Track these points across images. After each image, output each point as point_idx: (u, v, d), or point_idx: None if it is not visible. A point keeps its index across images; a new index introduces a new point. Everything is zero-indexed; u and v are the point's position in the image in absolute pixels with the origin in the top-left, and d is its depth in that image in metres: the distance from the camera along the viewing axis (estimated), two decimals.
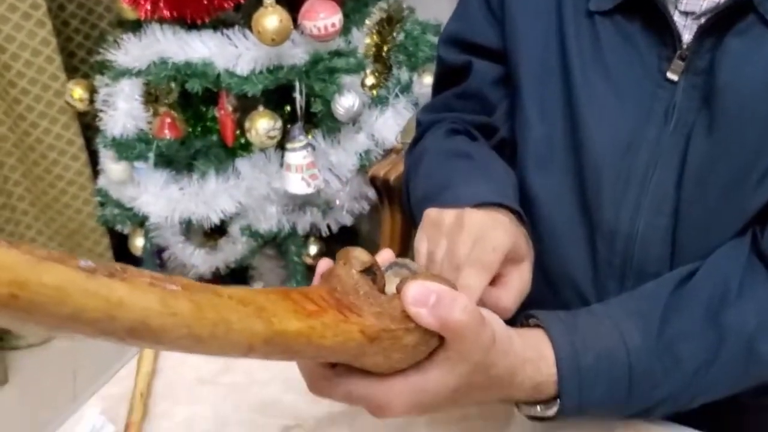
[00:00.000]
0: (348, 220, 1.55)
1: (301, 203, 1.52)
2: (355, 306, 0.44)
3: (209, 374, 0.70)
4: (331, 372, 0.46)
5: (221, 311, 0.36)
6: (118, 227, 1.59)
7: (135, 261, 1.68)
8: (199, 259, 1.54)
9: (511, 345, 0.49)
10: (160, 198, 1.49)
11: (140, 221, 1.55)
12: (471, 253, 0.54)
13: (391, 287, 0.48)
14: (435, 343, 0.46)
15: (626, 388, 0.54)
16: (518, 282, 0.58)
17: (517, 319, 0.58)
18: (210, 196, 1.47)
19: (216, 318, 0.36)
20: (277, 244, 1.54)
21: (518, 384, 0.50)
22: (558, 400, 0.52)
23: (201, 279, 1.69)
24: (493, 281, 0.56)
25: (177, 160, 1.50)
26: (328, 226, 1.54)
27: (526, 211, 0.72)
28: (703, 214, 0.63)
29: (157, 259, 1.61)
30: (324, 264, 0.49)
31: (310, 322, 0.40)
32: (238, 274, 1.74)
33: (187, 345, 0.35)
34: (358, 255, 0.47)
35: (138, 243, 1.60)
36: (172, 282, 0.36)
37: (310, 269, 1.62)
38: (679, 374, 0.55)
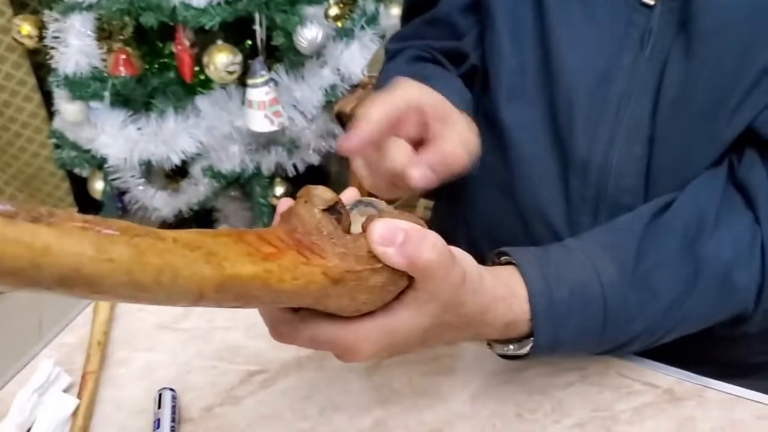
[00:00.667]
0: (315, 160, 1.51)
1: (265, 142, 1.48)
2: (317, 247, 0.41)
3: (169, 320, 0.67)
4: (294, 317, 0.44)
5: (165, 256, 0.33)
6: (77, 170, 1.53)
7: (95, 205, 1.64)
8: (161, 201, 1.50)
9: (481, 282, 0.47)
10: (117, 139, 1.44)
11: (99, 164, 1.50)
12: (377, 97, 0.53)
13: (357, 227, 0.45)
14: (403, 283, 0.43)
15: (601, 322, 0.52)
16: (455, 133, 0.56)
17: (488, 256, 0.56)
18: (169, 135, 1.42)
19: (160, 263, 0.33)
20: (241, 185, 1.50)
21: (489, 322, 0.48)
22: (531, 339, 0.51)
23: (163, 223, 1.64)
24: (427, 141, 0.55)
25: (134, 99, 1.45)
26: (294, 166, 1.50)
27: (496, 144, 0.69)
28: (679, 143, 0.61)
29: (118, 202, 1.56)
30: (284, 203, 0.46)
31: (266, 265, 0.38)
32: (202, 217, 1.70)
33: (128, 294, 0.32)
34: (321, 193, 0.44)
35: (97, 186, 1.55)
36: (108, 226, 0.32)
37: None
38: (655, 307, 0.54)
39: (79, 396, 0.59)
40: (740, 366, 0.72)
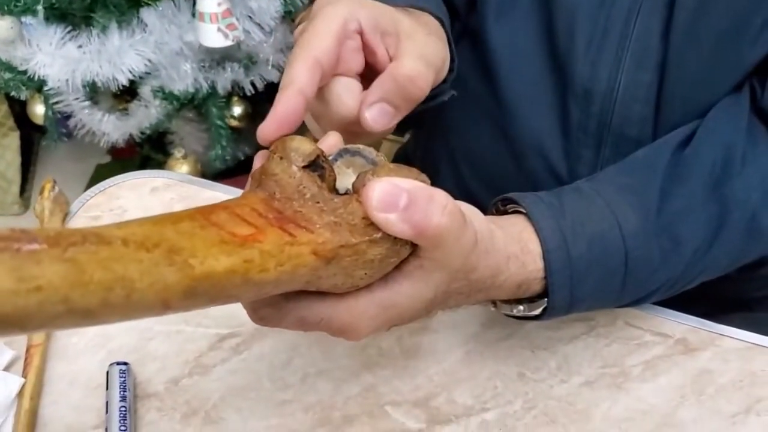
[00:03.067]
0: (275, 76, 1.40)
1: (220, 58, 1.36)
2: (302, 217, 0.34)
3: None
4: (278, 297, 0.36)
5: (114, 266, 0.26)
6: (14, 93, 1.40)
7: (38, 130, 1.51)
8: (110, 125, 1.38)
9: (493, 242, 0.41)
10: (56, 58, 1.30)
11: (37, 86, 1.36)
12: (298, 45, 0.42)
13: (343, 182, 0.38)
14: (406, 252, 0.37)
15: (621, 277, 0.47)
16: (411, 48, 0.44)
17: (489, 204, 0.49)
18: (114, 53, 1.29)
19: (107, 278, 0.25)
20: (195, 106, 1.39)
21: (501, 284, 0.42)
22: (544, 300, 0.45)
23: (113, 148, 1.52)
24: (378, 66, 0.44)
25: (72, 13, 1.31)
26: (253, 84, 1.38)
27: (485, 69, 0.61)
28: (693, 67, 0.54)
29: (62, 128, 1.44)
30: (259, 160, 0.38)
31: (244, 253, 0.30)
32: (155, 141, 1.59)
33: (70, 324, 0.25)
34: (299, 145, 0.36)
35: (38, 111, 1.42)
36: (30, 238, 0.24)
37: (236, 132, 1.49)
38: (679, 256, 0.49)
39: (25, 373, 0.52)
40: (740, 301, 0.68)
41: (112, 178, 0.67)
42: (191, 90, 1.32)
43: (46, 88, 1.35)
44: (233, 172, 1.63)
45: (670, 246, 0.48)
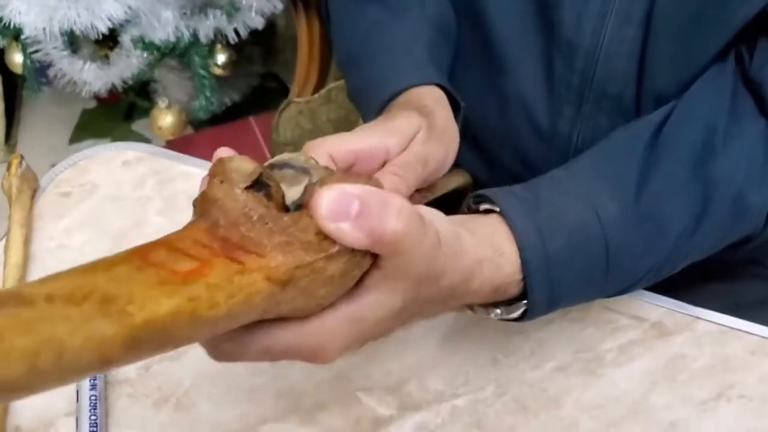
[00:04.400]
0: (258, 23, 1.36)
1: (201, 5, 1.32)
2: (250, 241, 0.32)
3: (96, 256, 0.59)
4: (237, 329, 0.34)
5: (39, 329, 0.23)
6: None
7: (21, 76, 1.48)
8: (91, 74, 1.35)
9: (460, 244, 0.39)
10: (32, 5, 1.27)
11: (15, 34, 1.33)
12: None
13: (292, 196, 0.36)
14: (367, 263, 0.35)
15: (603, 267, 0.45)
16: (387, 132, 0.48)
17: (463, 202, 0.48)
18: (93, 0, 1.25)
19: (32, 343, 0.23)
20: (178, 54, 1.36)
21: (476, 290, 0.40)
22: (522, 302, 0.43)
23: (96, 98, 1.49)
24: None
25: None
26: (236, 31, 1.35)
27: (475, 15, 0.60)
28: (679, 24, 0.53)
29: (42, 77, 1.40)
30: (201, 185, 0.37)
31: (188, 290, 0.28)
32: (139, 90, 1.56)
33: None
34: (239, 165, 0.33)
35: (16, 59, 1.38)
36: None
37: (221, 80, 1.45)
38: (662, 241, 0.47)
39: None
40: (718, 264, 0.67)
41: (83, 152, 0.66)
42: (173, 39, 1.29)
43: (23, 37, 1.31)
44: (220, 119, 1.61)
45: (652, 231, 0.46)
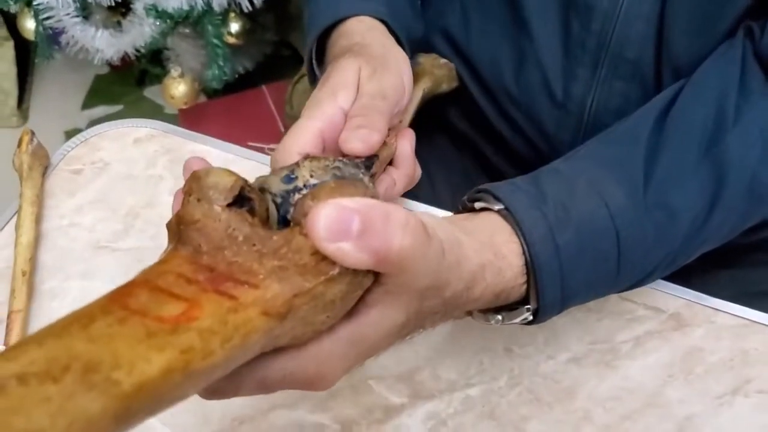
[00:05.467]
0: None
1: None
2: (239, 268, 0.29)
3: (106, 238, 0.58)
4: None
5: (13, 421, 0.20)
6: (1, 6, 1.35)
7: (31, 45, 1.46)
8: (103, 42, 1.33)
9: (462, 251, 0.37)
10: None
11: (27, 0, 1.31)
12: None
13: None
14: (369, 281, 0.32)
15: (615, 259, 0.43)
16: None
17: (457, 199, 0.46)
18: None
19: None
20: (192, 22, 1.34)
21: (478, 296, 0.38)
22: (525, 307, 0.42)
23: (108, 64, 1.47)
24: None
25: None
26: (250, 0, 1.33)
27: None
28: None
29: (54, 44, 1.39)
30: (175, 203, 0.34)
31: (179, 341, 0.25)
32: (152, 58, 1.54)
33: None
34: (217, 180, 0.30)
35: (28, 25, 1.37)
36: None
37: (234, 48, 1.43)
38: (675, 229, 0.45)
39: (6, 341, 0.51)
40: (725, 251, 0.65)
41: (94, 128, 0.65)
42: (186, 7, 1.27)
43: (35, 3, 1.29)
44: (232, 87, 1.59)
45: (664, 218, 0.44)
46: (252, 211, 0.31)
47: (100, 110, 1.79)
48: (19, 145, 0.60)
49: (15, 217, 0.57)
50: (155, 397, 0.24)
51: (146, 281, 0.28)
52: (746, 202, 0.47)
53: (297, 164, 0.36)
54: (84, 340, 0.24)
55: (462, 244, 0.37)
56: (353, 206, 0.29)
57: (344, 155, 0.44)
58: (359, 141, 0.43)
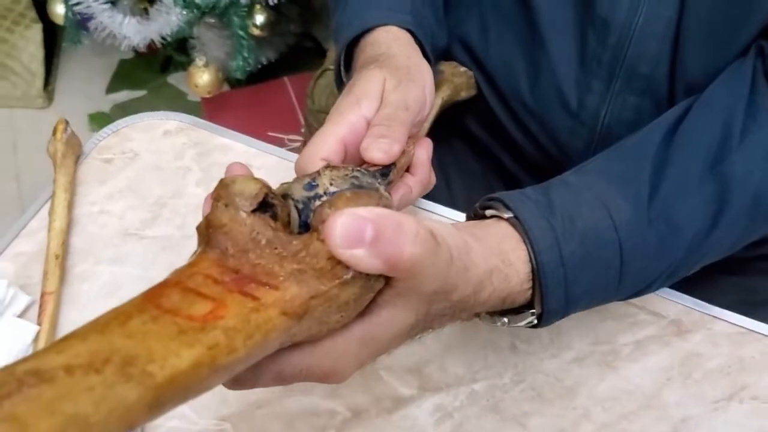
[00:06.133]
0: None
1: None
2: (262, 270, 0.31)
3: (135, 226, 0.61)
4: None
5: (63, 407, 0.22)
6: None
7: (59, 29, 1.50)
8: (131, 29, 1.36)
9: (470, 257, 0.39)
10: None
11: None
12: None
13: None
14: (381, 284, 0.35)
15: (617, 270, 0.46)
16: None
17: (470, 209, 0.48)
18: None
19: (57, 424, 0.22)
20: (218, 13, 1.36)
21: (484, 301, 0.41)
22: (530, 311, 0.44)
23: (134, 50, 1.49)
24: None
25: None
26: None
27: None
28: (714, 7, 0.53)
29: (83, 30, 1.42)
30: (205, 206, 0.36)
31: (207, 339, 0.27)
32: (178, 46, 1.57)
33: None
34: (243, 188, 0.33)
35: (58, 10, 1.40)
36: None
37: (259, 40, 1.46)
38: (677, 242, 0.47)
39: (39, 320, 0.54)
40: (729, 259, 0.67)
41: (125, 119, 0.67)
42: None
43: None
44: (255, 77, 1.62)
45: (666, 232, 0.46)
46: (275, 216, 0.33)
47: (124, 94, 1.82)
48: (54, 133, 0.63)
49: (49, 203, 0.60)
50: (184, 388, 0.26)
51: (177, 282, 0.30)
52: (749, 219, 0.49)
53: (318, 173, 0.38)
54: (121, 335, 0.26)
55: (470, 250, 0.39)
56: (367, 215, 0.32)
57: (363, 162, 0.46)
58: (380, 151, 0.45)
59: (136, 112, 0.69)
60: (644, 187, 0.47)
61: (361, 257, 0.31)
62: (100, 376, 0.24)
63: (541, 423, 0.52)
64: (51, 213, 0.60)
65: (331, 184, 0.38)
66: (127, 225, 0.61)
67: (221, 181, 0.34)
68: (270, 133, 1.47)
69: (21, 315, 0.55)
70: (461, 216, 0.61)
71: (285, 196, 0.38)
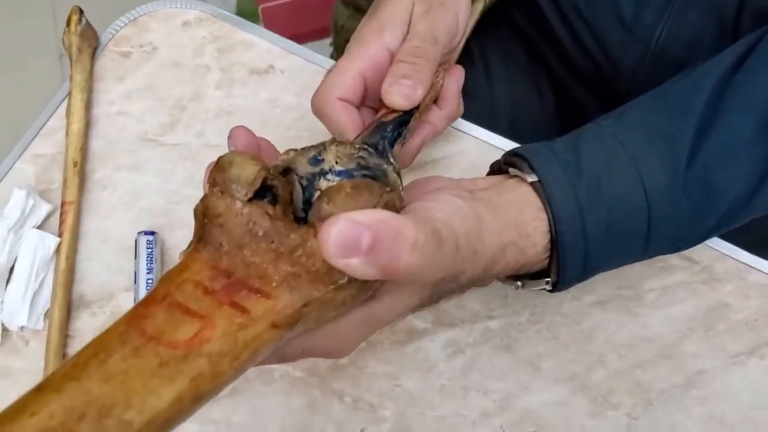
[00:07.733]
0: None
1: None
2: (255, 271, 0.30)
3: (153, 131, 0.59)
4: None
5: None
6: None
7: None
8: None
9: (481, 237, 0.36)
10: None
11: None
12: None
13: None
14: (379, 283, 0.34)
15: (643, 238, 0.42)
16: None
17: (493, 163, 0.45)
18: None
19: None
20: None
21: (497, 274, 0.39)
22: (545, 279, 0.42)
23: None
24: None
25: None
26: None
27: None
28: None
29: None
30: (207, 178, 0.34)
31: (189, 369, 0.26)
32: None
33: None
34: (239, 173, 0.31)
35: None
36: None
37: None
38: (713, 208, 0.43)
39: (60, 231, 0.55)
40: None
41: (143, 6, 0.63)
42: None
43: None
44: None
45: (702, 198, 0.42)
46: (275, 199, 0.32)
47: None
48: (68, 24, 0.60)
49: (65, 102, 0.58)
50: (165, 424, 0.26)
51: (165, 294, 0.29)
52: None
53: (324, 146, 0.36)
54: (100, 380, 0.25)
55: (483, 228, 0.37)
56: (364, 221, 0.29)
57: (383, 106, 0.43)
58: (401, 96, 0.42)
59: None
60: (684, 148, 0.42)
61: (356, 266, 0.29)
62: (77, 423, 0.24)
63: (553, 366, 0.52)
64: (68, 115, 0.58)
65: (336, 162, 0.36)
66: (145, 129, 0.59)
67: (218, 162, 0.32)
68: None
69: (42, 223, 0.55)
70: (499, 139, 0.57)
71: (288, 170, 0.36)
